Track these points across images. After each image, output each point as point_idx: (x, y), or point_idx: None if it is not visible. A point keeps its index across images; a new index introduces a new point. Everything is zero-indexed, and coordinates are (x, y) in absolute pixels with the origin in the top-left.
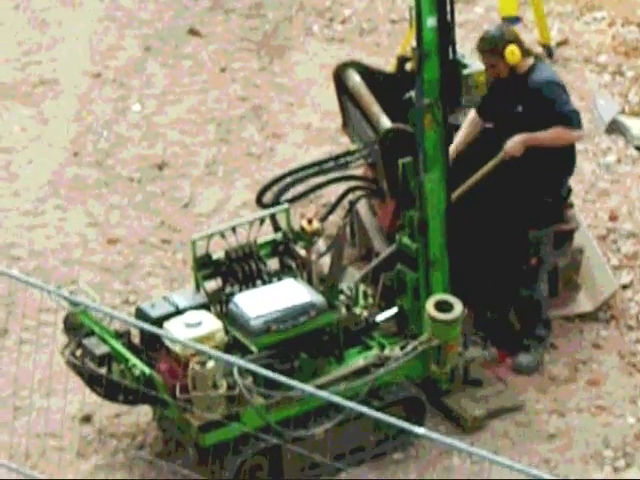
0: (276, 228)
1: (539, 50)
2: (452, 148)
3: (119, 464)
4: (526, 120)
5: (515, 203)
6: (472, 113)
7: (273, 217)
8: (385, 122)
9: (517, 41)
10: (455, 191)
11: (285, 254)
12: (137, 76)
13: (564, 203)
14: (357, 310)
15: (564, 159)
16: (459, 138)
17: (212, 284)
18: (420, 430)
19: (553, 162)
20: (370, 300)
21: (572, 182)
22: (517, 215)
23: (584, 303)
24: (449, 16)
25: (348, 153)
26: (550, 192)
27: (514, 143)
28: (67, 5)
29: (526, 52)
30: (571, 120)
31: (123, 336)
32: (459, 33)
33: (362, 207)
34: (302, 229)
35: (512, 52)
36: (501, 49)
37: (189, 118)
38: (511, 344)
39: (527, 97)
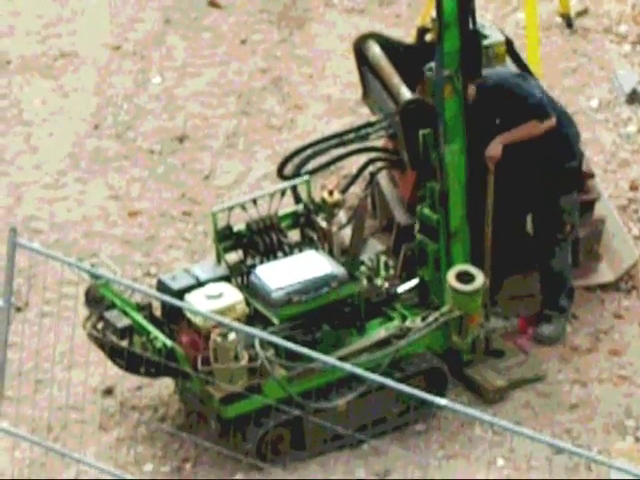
0: (297, 200)
1: (558, 20)
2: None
3: (141, 437)
4: (508, 124)
5: (540, 174)
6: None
7: (294, 189)
8: (405, 93)
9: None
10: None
11: (306, 226)
12: (157, 48)
13: (581, 167)
14: (378, 281)
15: (565, 125)
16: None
17: (233, 256)
18: (442, 401)
19: (557, 133)
20: (391, 271)
21: (592, 152)
22: (546, 184)
23: (605, 273)
24: None
25: (369, 124)
26: (568, 157)
27: (492, 146)
28: None
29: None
30: (541, 112)
31: (144, 308)
32: (479, 3)
33: (383, 178)
34: (323, 201)
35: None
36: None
37: (209, 90)
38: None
39: (493, 101)
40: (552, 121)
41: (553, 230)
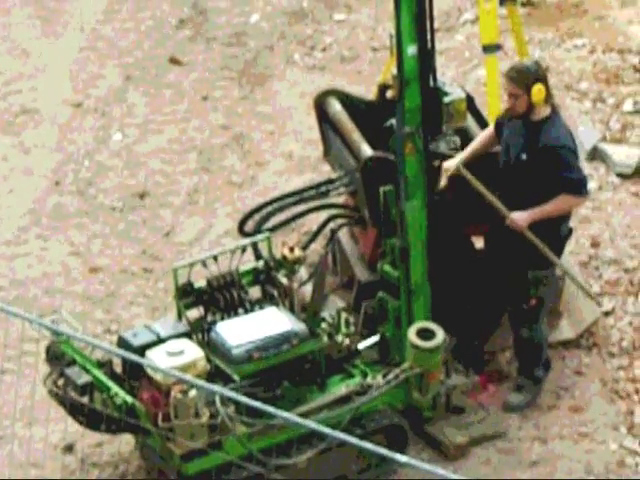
0: (258, 256)
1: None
2: (462, 155)
3: None
4: (529, 170)
5: (515, 244)
6: (490, 128)
7: (255, 245)
8: (366, 150)
9: (546, 82)
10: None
11: (267, 282)
12: (118, 105)
13: (565, 243)
14: (339, 338)
15: None
16: (471, 146)
17: (194, 313)
18: (403, 458)
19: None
20: (352, 328)
21: None
22: (517, 256)
23: (566, 330)
24: (429, 44)
25: (329, 181)
26: (549, 233)
27: (521, 219)
28: (48, 35)
29: (549, 97)
30: (578, 189)
31: (105, 365)
32: (440, 61)
33: (344, 235)
34: (284, 257)
35: (539, 90)
36: (530, 84)
37: (170, 147)
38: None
39: (535, 150)
40: (585, 200)
41: (518, 300)
